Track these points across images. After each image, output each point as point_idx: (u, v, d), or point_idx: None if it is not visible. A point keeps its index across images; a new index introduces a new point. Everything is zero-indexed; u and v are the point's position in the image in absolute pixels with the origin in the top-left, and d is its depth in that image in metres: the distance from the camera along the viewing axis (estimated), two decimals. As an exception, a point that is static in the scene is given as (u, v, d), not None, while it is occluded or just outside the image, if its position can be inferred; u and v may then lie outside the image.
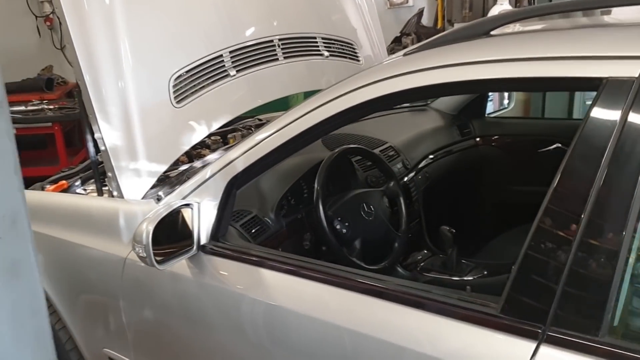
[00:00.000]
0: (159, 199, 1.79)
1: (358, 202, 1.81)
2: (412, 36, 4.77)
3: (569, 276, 0.99)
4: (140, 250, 1.39)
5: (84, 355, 1.99)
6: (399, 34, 4.63)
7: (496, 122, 2.72)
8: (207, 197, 1.56)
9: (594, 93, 1.04)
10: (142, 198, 1.82)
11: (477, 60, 1.14)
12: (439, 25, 4.88)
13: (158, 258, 1.42)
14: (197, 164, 2.18)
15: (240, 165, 1.51)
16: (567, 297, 0.99)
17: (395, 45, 4.59)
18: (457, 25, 4.67)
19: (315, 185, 1.69)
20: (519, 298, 1.05)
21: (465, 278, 1.98)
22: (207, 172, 1.59)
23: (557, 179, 1.03)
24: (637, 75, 0.98)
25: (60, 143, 4.40)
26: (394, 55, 1.47)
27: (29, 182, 2.39)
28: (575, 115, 3.49)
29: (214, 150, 2.47)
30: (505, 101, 2.98)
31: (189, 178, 1.93)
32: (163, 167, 1.92)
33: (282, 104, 2.56)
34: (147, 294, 1.67)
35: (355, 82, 1.34)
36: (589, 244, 0.98)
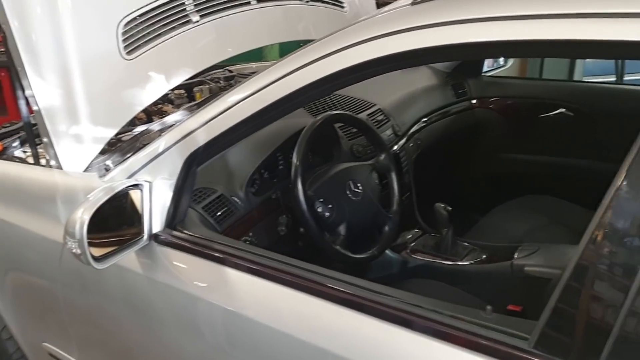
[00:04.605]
0: (107, 170, 1.50)
1: (343, 179, 1.53)
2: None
3: (634, 303, 0.73)
4: (74, 246, 1.10)
5: (22, 348, 1.73)
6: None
7: (494, 82, 2.44)
8: (161, 175, 1.27)
9: None
10: (86, 169, 1.52)
11: (528, 15, 0.84)
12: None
13: (97, 254, 1.13)
14: (155, 125, 1.87)
15: (202, 138, 1.22)
16: (627, 329, 0.74)
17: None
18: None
19: (294, 160, 1.40)
20: (561, 329, 0.80)
21: (461, 263, 1.75)
22: (160, 145, 1.29)
23: (622, 178, 0.75)
24: None
25: (8, 91, 3.98)
26: (396, 3, 1.16)
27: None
28: (577, 76, 3.22)
29: (177, 106, 2.16)
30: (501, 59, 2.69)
31: (143, 145, 1.64)
32: (111, 132, 1.61)
33: (255, 54, 2.25)
34: (90, 287, 1.39)
35: (352, 37, 1.04)
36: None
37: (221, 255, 1.16)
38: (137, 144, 1.67)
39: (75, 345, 1.51)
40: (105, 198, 1.14)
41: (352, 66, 1.02)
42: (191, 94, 2.25)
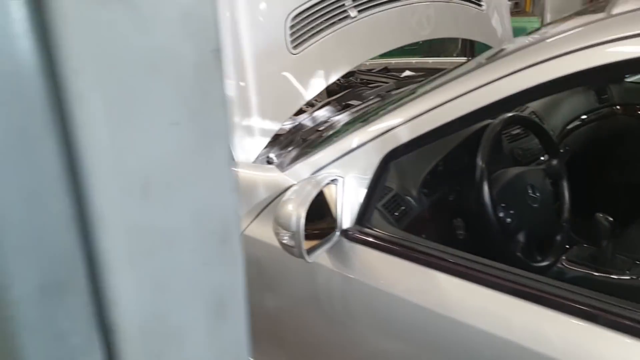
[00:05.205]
0: (269, 162, 1.51)
1: (522, 184, 1.48)
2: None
3: None
4: (287, 239, 1.10)
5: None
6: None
7: (638, 89, 2.33)
8: (353, 170, 1.25)
9: None
10: (254, 161, 1.54)
11: None
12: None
13: (306, 248, 1.13)
14: (306, 120, 1.88)
15: (404, 136, 1.20)
16: None
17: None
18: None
19: (479, 162, 1.36)
20: None
21: (622, 277, 1.67)
22: (353, 141, 1.28)
23: None
24: None
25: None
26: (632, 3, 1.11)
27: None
28: None
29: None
30: None
31: (303, 139, 1.65)
32: (277, 125, 1.62)
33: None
34: (269, 278, 1.40)
35: (593, 36, 0.99)
36: None
37: (420, 255, 1.14)
38: (297, 137, 1.68)
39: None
40: (315, 192, 1.13)
41: (594, 67, 0.98)
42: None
